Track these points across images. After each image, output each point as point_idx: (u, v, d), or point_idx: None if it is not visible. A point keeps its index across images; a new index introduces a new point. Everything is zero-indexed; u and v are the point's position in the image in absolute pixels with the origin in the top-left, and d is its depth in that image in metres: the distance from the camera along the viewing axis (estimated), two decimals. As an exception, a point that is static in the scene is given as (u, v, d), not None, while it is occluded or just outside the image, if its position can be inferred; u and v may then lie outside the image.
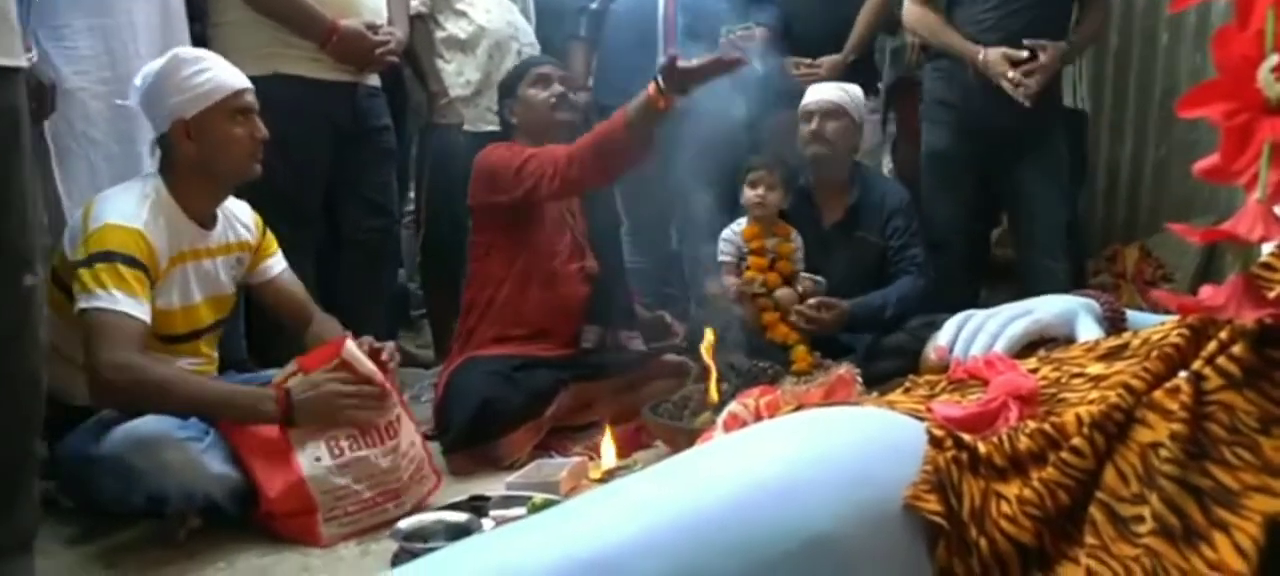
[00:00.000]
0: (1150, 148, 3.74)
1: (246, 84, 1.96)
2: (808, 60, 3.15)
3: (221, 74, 1.93)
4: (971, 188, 3.02)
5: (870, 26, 3.24)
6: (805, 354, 2.62)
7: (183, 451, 1.67)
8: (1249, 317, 0.51)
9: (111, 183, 2.02)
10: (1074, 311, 0.91)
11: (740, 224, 2.79)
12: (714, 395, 2.23)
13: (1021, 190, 2.98)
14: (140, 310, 1.77)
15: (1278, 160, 0.48)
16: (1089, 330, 0.88)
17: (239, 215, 2.07)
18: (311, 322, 2.11)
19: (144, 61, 2.15)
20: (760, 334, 2.67)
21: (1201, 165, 0.52)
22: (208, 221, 1.98)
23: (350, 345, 1.86)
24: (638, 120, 2.22)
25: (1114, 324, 0.91)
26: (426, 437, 2.04)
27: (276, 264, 2.13)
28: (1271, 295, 0.55)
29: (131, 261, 1.78)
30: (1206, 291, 0.53)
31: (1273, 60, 0.48)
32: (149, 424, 1.68)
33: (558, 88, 2.51)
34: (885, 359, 2.63)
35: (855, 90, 2.89)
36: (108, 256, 1.76)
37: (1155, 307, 0.93)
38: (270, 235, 2.13)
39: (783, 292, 2.73)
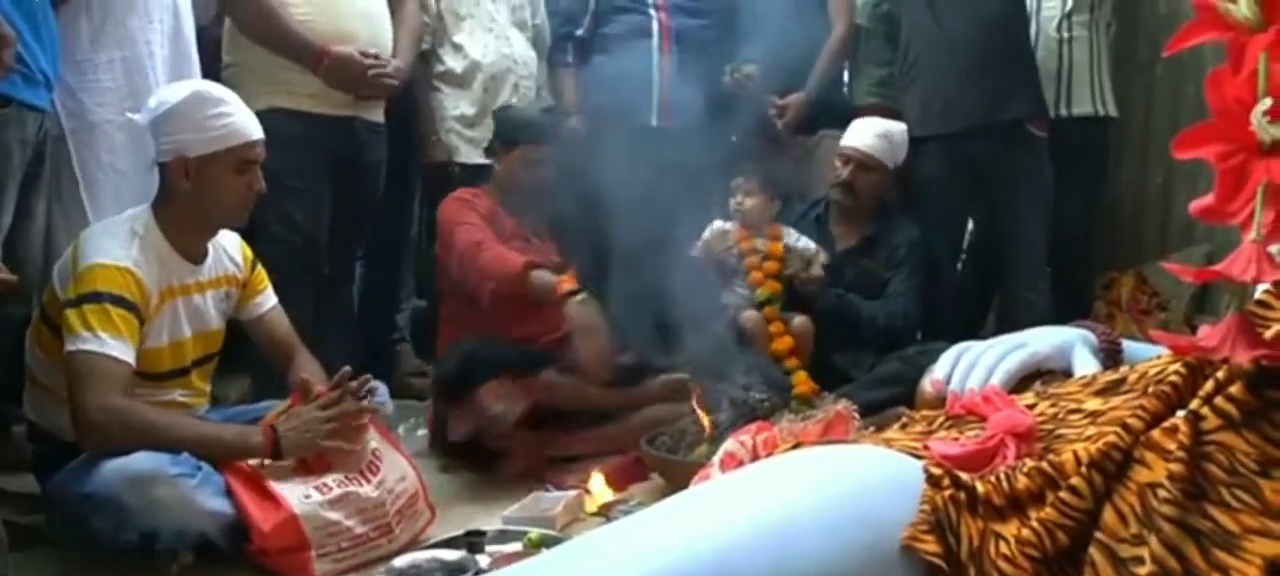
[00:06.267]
0: (1151, 176, 3.76)
1: (259, 136, 1.95)
2: (776, 97, 3.18)
3: (240, 121, 1.92)
4: (961, 215, 3.05)
5: (834, 59, 3.29)
6: (805, 378, 2.65)
7: (174, 488, 1.66)
8: (1244, 358, 0.51)
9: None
10: (1071, 343, 0.90)
11: (726, 224, 2.90)
12: (708, 426, 2.22)
13: (1005, 217, 3.00)
14: (126, 353, 1.76)
15: (1272, 201, 0.48)
16: (1086, 362, 0.88)
17: (228, 248, 2.06)
18: (295, 360, 2.09)
19: (161, 91, 2.19)
20: (763, 349, 2.69)
21: (1197, 205, 0.52)
22: (197, 257, 1.97)
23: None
24: (535, 292, 2.34)
25: (1110, 355, 0.91)
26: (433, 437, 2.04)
27: (266, 300, 2.13)
28: (1268, 334, 0.55)
29: (120, 302, 1.77)
30: (1203, 331, 0.53)
31: (1266, 103, 0.48)
32: (140, 460, 1.66)
33: (542, 174, 2.57)
34: (882, 387, 2.63)
35: (898, 133, 2.93)
36: (96, 297, 1.75)
37: (1150, 338, 0.93)
38: (260, 270, 2.13)
39: (800, 321, 2.78)
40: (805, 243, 2.90)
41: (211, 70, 2.44)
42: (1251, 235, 0.49)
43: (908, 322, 2.88)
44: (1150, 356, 0.77)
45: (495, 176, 2.66)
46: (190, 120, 1.87)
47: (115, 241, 1.83)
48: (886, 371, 2.66)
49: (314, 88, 2.49)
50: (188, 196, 1.89)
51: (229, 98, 1.94)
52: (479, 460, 2.39)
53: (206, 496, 1.69)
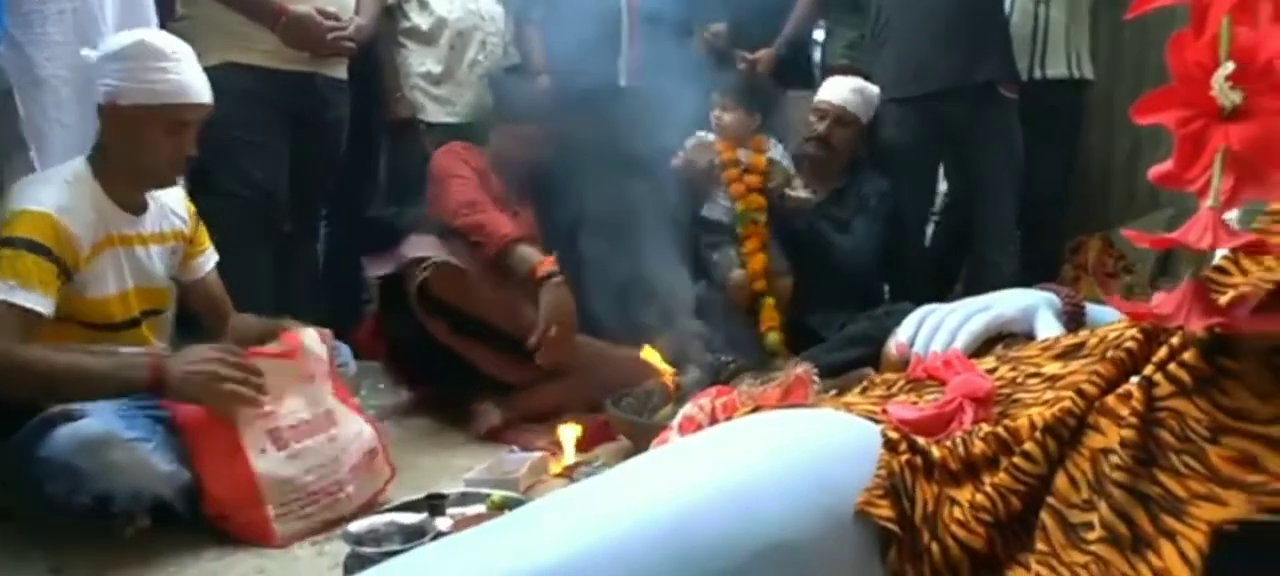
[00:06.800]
0: (1119, 140, 3.78)
1: (201, 100, 1.86)
2: (746, 53, 3.18)
3: (180, 81, 1.82)
4: (933, 176, 3.07)
5: (806, 18, 3.28)
6: (773, 310, 2.69)
7: (129, 451, 1.62)
8: (1198, 326, 0.51)
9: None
10: (1034, 306, 0.90)
11: (707, 135, 2.91)
12: (673, 387, 2.23)
13: (975, 179, 3.02)
14: (32, 300, 1.69)
15: (1231, 167, 0.48)
16: (1049, 325, 0.88)
17: (171, 204, 2.00)
18: (228, 320, 2.07)
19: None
20: (741, 310, 2.71)
21: (1156, 171, 0.52)
22: (136, 208, 1.91)
23: (310, 332, 1.87)
24: (510, 265, 2.33)
25: (1074, 319, 0.91)
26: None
27: (208, 260, 2.09)
28: (1223, 301, 0.55)
29: (35, 247, 1.70)
30: (1158, 298, 0.53)
31: (1227, 68, 0.47)
32: (94, 425, 1.62)
33: (537, 151, 2.56)
34: (850, 347, 2.66)
35: (871, 92, 2.95)
36: (10, 243, 1.70)
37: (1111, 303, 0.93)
38: (203, 228, 2.09)
39: (781, 283, 2.84)
40: (788, 161, 2.92)
41: (166, 23, 2.37)
42: (1208, 202, 0.48)
43: (865, 261, 2.92)
44: (1113, 320, 0.78)
45: (490, 144, 2.63)
46: (129, 67, 1.80)
47: (46, 188, 1.78)
48: (856, 331, 2.67)
49: (271, 43, 2.45)
50: (117, 145, 1.83)
51: (179, 55, 1.85)
52: (444, 414, 2.38)
53: (162, 459, 1.66)
